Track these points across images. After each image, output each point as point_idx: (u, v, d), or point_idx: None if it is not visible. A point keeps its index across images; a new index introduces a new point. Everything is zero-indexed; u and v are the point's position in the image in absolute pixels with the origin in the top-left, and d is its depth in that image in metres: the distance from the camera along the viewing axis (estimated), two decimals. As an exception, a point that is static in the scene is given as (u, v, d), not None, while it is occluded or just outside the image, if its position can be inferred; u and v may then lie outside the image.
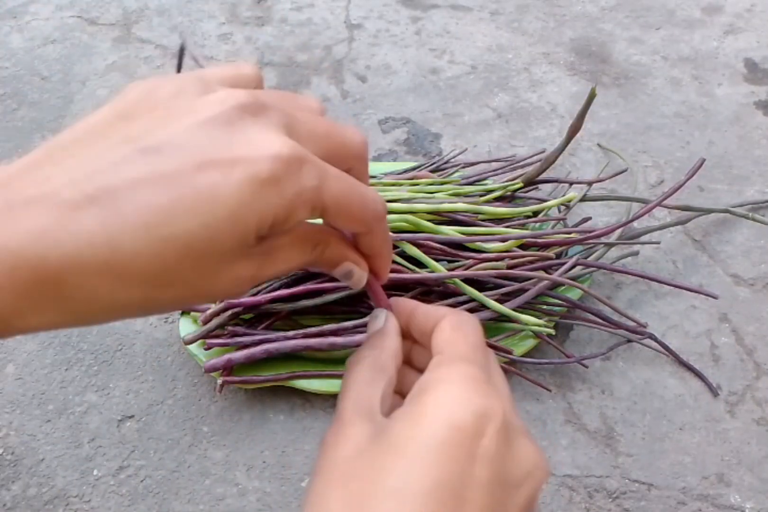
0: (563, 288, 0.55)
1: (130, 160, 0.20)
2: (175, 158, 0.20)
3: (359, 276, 0.27)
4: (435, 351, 0.25)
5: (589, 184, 0.61)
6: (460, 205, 0.54)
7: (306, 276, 0.52)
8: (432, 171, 0.61)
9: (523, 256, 0.53)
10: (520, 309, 0.53)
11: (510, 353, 0.52)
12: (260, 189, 0.20)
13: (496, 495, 0.21)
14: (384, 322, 0.28)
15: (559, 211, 0.60)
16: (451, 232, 0.52)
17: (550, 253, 0.54)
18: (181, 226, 0.20)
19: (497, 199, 0.58)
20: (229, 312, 0.50)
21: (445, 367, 0.24)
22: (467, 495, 0.21)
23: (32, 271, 0.18)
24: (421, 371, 0.26)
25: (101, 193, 0.19)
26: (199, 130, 0.21)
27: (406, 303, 0.28)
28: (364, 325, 0.50)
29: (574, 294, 0.55)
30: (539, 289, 0.52)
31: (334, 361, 0.53)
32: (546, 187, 0.62)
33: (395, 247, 0.52)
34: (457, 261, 0.53)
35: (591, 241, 0.55)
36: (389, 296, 0.29)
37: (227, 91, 0.22)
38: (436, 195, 0.55)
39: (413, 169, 0.62)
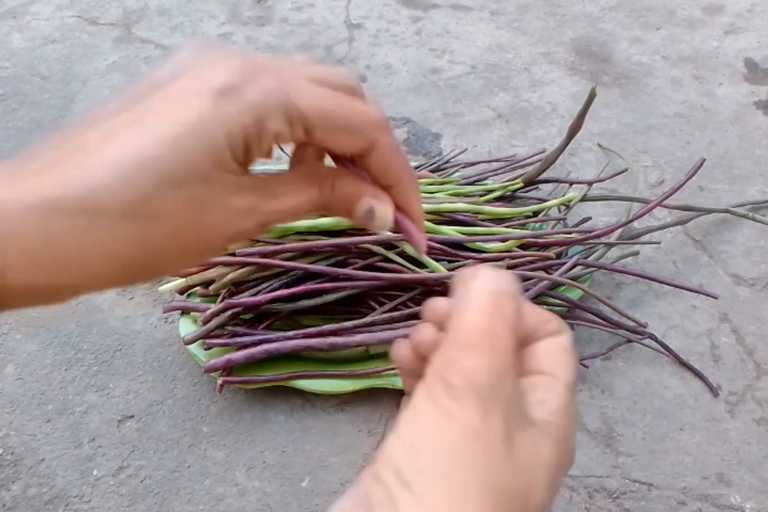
0: (563, 288, 0.55)
1: (104, 106, 0.20)
2: (138, 89, 0.20)
3: (383, 212, 0.23)
4: (547, 367, 0.23)
5: (590, 184, 0.61)
6: (461, 205, 0.54)
7: (306, 277, 0.52)
8: (432, 171, 0.61)
9: (523, 256, 0.53)
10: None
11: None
12: (219, 99, 0.20)
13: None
14: (508, 283, 0.22)
15: (559, 211, 0.60)
16: (451, 232, 0.52)
17: (550, 253, 0.54)
18: (145, 149, 0.19)
19: (497, 199, 0.58)
20: (229, 312, 0.50)
21: (566, 399, 0.23)
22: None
23: (13, 218, 0.18)
24: None
25: (78, 147, 0.19)
26: (172, 66, 0.21)
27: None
28: (365, 325, 0.50)
29: (574, 295, 0.55)
30: (539, 289, 0.52)
31: (335, 361, 0.53)
32: (546, 187, 0.62)
33: (395, 247, 0.52)
34: (457, 261, 0.53)
35: (591, 240, 0.55)
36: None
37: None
38: (436, 195, 0.55)
39: (413, 168, 0.61)
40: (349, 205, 0.23)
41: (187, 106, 0.20)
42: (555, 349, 0.24)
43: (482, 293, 0.22)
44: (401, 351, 0.24)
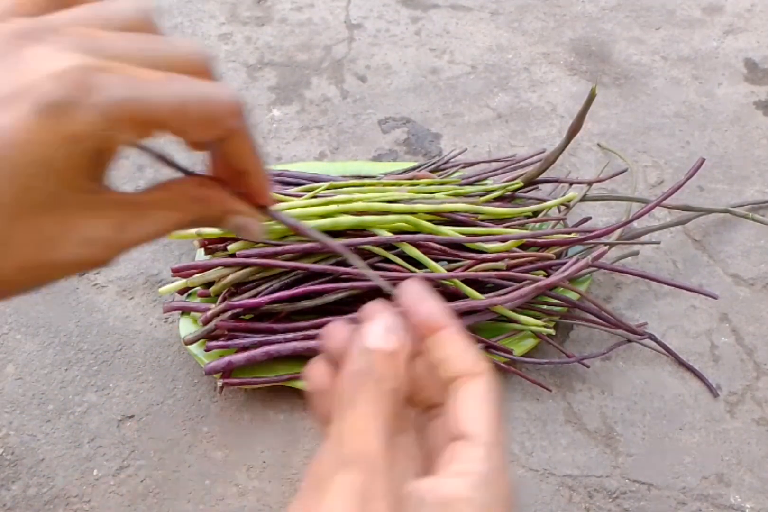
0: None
1: None
2: None
3: (254, 227, 0.24)
4: (464, 426, 0.22)
5: (589, 184, 0.61)
6: (460, 205, 0.54)
7: (306, 278, 0.52)
8: (432, 171, 0.61)
9: (523, 256, 0.53)
10: (519, 309, 0.53)
11: (510, 353, 0.52)
12: (53, 117, 0.17)
13: None
14: (400, 346, 0.22)
15: (559, 211, 0.60)
16: (451, 232, 0.52)
17: (550, 253, 0.54)
18: None
19: (497, 199, 0.58)
20: (229, 313, 0.50)
21: (487, 465, 0.21)
22: None
23: None
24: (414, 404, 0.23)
25: None
26: None
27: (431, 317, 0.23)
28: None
29: (573, 294, 0.55)
30: (539, 289, 0.52)
31: (334, 361, 0.52)
32: (546, 187, 0.62)
33: (395, 247, 0.52)
34: (457, 261, 0.53)
35: (591, 241, 0.55)
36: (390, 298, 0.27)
37: (3, 23, 0.18)
38: (436, 195, 0.55)
39: (413, 169, 0.62)
40: (220, 222, 0.23)
41: (10, 128, 0.17)
42: (468, 402, 0.22)
43: (363, 353, 0.22)
44: (317, 372, 0.25)
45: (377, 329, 0.23)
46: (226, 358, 0.49)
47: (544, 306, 0.55)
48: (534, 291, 0.51)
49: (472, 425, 0.21)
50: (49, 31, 0.18)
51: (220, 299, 0.52)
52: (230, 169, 0.23)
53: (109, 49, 0.19)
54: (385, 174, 0.60)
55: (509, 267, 0.53)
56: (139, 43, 0.19)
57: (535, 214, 0.58)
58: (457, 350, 0.23)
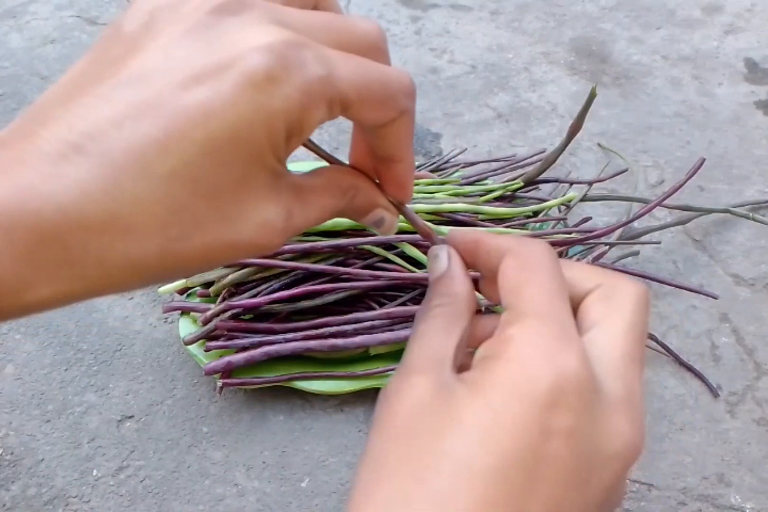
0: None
1: (110, 96, 0.17)
2: (156, 83, 0.17)
3: (390, 221, 0.24)
4: (504, 303, 0.21)
5: (589, 183, 0.61)
6: (460, 205, 0.54)
7: (306, 278, 0.52)
8: (432, 171, 0.61)
9: (523, 256, 0.53)
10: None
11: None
12: (259, 92, 0.17)
13: (574, 476, 0.18)
14: (448, 263, 0.24)
15: (560, 211, 0.60)
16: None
17: (550, 253, 0.54)
18: (179, 157, 0.17)
19: (497, 199, 0.58)
20: (229, 313, 0.50)
21: (514, 327, 0.20)
22: (540, 474, 0.18)
23: (29, 231, 0.16)
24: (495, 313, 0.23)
25: (84, 139, 0.17)
26: (176, 46, 0.18)
27: (465, 236, 0.24)
28: (364, 326, 0.50)
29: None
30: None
31: (334, 362, 0.52)
32: (546, 187, 0.62)
33: (395, 247, 0.52)
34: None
35: (591, 241, 0.55)
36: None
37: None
38: (436, 195, 0.55)
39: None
40: (362, 214, 0.24)
41: (221, 102, 0.17)
42: (500, 280, 0.22)
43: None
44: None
45: (429, 264, 0.24)
46: (226, 358, 0.49)
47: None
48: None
49: (509, 297, 0.21)
50: (242, 5, 0.18)
51: (219, 299, 0.52)
52: (378, 158, 0.23)
53: (299, 25, 0.19)
54: (385, 174, 0.60)
55: (509, 267, 0.53)
56: (323, 21, 0.20)
57: (536, 213, 0.58)
58: (490, 247, 0.23)
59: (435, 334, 0.22)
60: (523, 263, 0.21)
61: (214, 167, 0.17)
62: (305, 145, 0.24)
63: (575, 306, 0.22)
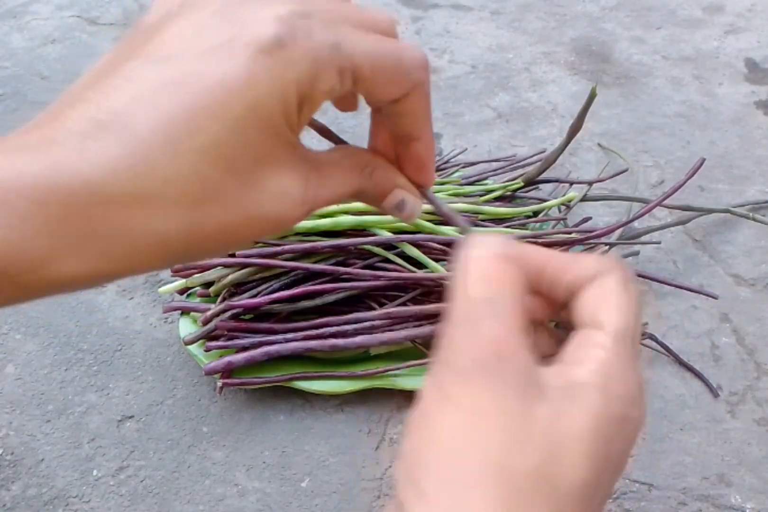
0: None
1: (134, 76, 0.18)
2: (178, 60, 0.18)
3: (412, 205, 0.24)
4: (593, 318, 0.20)
5: (590, 183, 0.61)
6: (461, 205, 0.54)
7: (306, 278, 0.52)
8: (432, 171, 0.61)
9: (523, 256, 0.53)
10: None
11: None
12: (270, 59, 0.18)
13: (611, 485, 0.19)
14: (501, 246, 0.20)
15: (560, 211, 0.60)
16: (451, 232, 0.52)
17: (551, 253, 0.54)
18: (204, 130, 0.18)
19: (497, 199, 0.58)
20: (229, 313, 0.50)
21: (620, 356, 0.19)
22: (593, 498, 0.18)
23: (60, 206, 0.17)
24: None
25: (110, 116, 0.17)
26: (197, 27, 0.19)
27: (537, 253, 0.21)
28: (364, 326, 0.50)
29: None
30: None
31: (335, 362, 0.52)
32: (546, 187, 0.62)
33: (394, 247, 0.52)
34: (458, 261, 0.53)
35: (591, 240, 0.55)
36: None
37: None
38: (436, 195, 0.55)
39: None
40: (382, 195, 0.23)
41: (234, 69, 0.18)
42: (597, 294, 0.20)
43: (474, 261, 0.20)
44: None
45: (486, 241, 0.21)
46: (226, 358, 0.49)
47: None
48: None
49: (598, 313, 0.20)
50: None
51: (219, 299, 0.52)
52: (396, 139, 0.23)
53: (314, 7, 0.19)
54: (386, 174, 0.60)
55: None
56: (336, 4, 0.20)
57: (536, 213, 0.58)
58: (564, 261, 0.21)
59: (516, 313, 0.19)
60: (625, 289, 0.21)
61: (238, 142, 0.18)
62: (319, 131, 0.24)
63: (572, 294, 0.21)
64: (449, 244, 0.52)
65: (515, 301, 0.19)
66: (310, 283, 0.52)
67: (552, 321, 0.24)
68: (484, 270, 0.20)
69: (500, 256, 0.20)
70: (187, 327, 0.53)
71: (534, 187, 0.61)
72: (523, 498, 0.17)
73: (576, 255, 0.22)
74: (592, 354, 0.19)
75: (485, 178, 0.60)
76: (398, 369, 0.51)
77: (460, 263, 0.20)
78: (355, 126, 0.71)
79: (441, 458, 0.18)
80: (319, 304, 0.51)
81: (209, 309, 0.51)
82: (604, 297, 0.20)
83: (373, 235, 0.52)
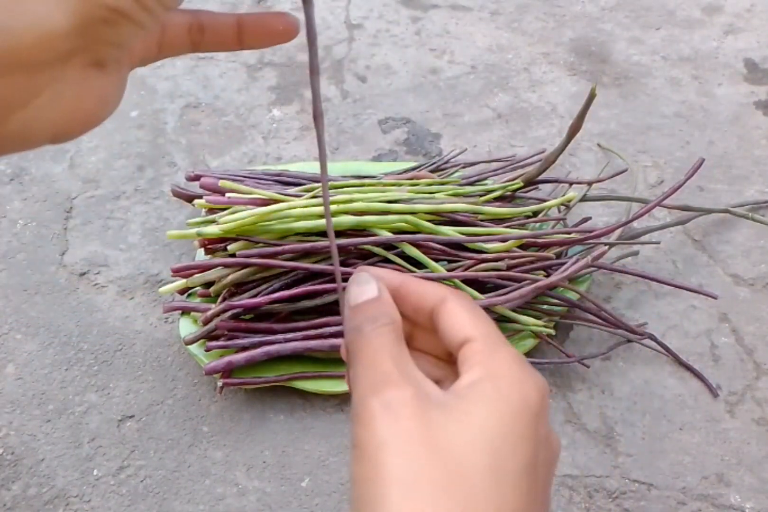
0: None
1: None
2: None
3: None
4: (457, 336, 0.24)
5: (589, 184, 0.61)
6: (460, 206, 0.54)
7: (306, 278, 0.52)
8: (432, 171, 0.61)
9: (523, 256, 0.53)
10: (519, 309, 0.53)
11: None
12: None
13: (549, 472, 0.22)
14: (378, 288, 0.25)
15: (559, 211, 0.60)
16: (451, 232, 0.52)
17: (550, 253, 0.54)
18: None
19: (497, 199, 0.58)
20: (229, 313, 0.50)
21: (496, 352, 0.23)
22: (539, 474, 0.21)
23: None
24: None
25: None
26: None
27: (389, 275, 0.26)
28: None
29: (573, 294, 0.55)
30: (539, 289, 0.52)
31: (335, 362, 0.53)
32: (546, 187, 0.62)
33: (394, 247, 0.52)
34: (457, 261, 0.53)
35: (591, 241, 0.55)
36: None
37: None
38: (436, 195, 0.55)
39: (413, 169, 0.62)
40: None
41: None
42: (450, 320, 0.24)
43: (354, 308, 0.24)
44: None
45: (353, 288, 0.25)
46: (226, 358, 0.50)
47: (544, 307, 0.55)
48: (534, 292, 0.51)
49: (460, 331, 0.24)
50: None
51: (220, 299, 0.52)
52: None
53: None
54: (385, 174, 0.60)
55: (509, 268, 0.53)
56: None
57: (535, 214, 0.58)
58: (419, 292, 0.25)
59: (392, 349, 0.23)
60: (470, 307, 0.25)
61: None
62: None
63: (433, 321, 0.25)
64: (449, 244, 0.53)
65: (394, 333, 0.23)
66: (310, 283, 0.52)
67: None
68: (365, 311, 0.24)
69: (373, 297, 0.25)
70: (187, 327, 0.53)
71: (533, 187, 0.61)
72: (443, 498, 0.19)
73: (421, 283, 0.26)
74: (474, 360, 0.23)
75: (485, 178, 0.60)
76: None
77: (345, 312, 0.25)
78: (356, 126, 0.71)
79: (384, 495, 0.20)
80: (319, 304, 0.51)
81: (209, 309, 0.51)
82: (455, 321, 0.24)
83: (373, 235, 0.52)
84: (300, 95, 0.73)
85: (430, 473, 0.20)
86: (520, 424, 0.21)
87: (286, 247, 0.51)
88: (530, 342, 0.54)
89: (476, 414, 0.21)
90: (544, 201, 0.59)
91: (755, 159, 0.69)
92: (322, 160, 0.24)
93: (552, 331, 0.53)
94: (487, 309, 0.52)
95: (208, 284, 0.53)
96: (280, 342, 0.50)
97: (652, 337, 0.55)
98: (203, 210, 0.56)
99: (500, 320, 0.53)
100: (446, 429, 0.21)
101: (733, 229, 0.64)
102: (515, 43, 0.79)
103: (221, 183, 0.53)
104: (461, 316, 0.24)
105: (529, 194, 0.60)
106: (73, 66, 0.19)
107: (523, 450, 0.21)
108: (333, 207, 0.51)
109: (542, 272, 0.54)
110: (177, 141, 0.69)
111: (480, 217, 0.55)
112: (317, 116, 0.23)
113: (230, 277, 0.51)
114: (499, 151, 0.69)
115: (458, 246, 0.53)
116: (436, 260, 0.52)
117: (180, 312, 0.54)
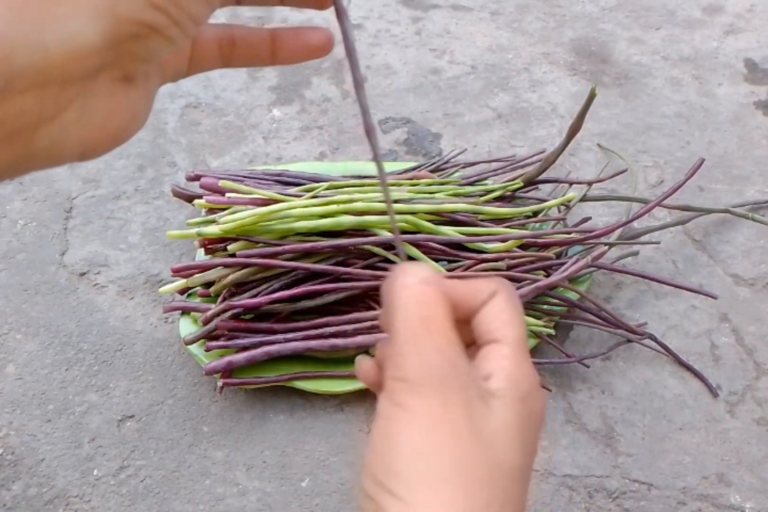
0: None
1: None
2: None
3: None
4: (492, 334, 0.24)
5: (589, 184, 0.61)
6: (460, 205, 0.54)
7: (306, 278, 0.52)
8: (432, 171, 0.61)
9: (523, 256, 0.53)
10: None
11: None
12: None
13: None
14: (418, 276, 0.24)
15: (559, 211, 0.60)
16: (451, 232, 0.52)
17: (550, 253, 0.54)
18: None
19: (497, 199, 0.58)
20: (230, 313, 0.51)
21: (522, 364, 0.24)
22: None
23: None
24: None
25: None
26: None
27: (443, 281, 0.25)
28: (364, 326, 0.50)
29: (573, 294, 0.55)
30: (539, 289, 0.52)
31: (335, 362, 0.53)
32: (546, 187, 0.62)
33: (394, 247, 0.52)
34: (457, 261, 0.53)
35: (591, 241, 0.55)
36: None
37: None
38: (436, 195, 0.55)
39: (413, 169, 0.62)
40: None
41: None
42: (492, 313, 0.24)
43: (405, 287, 0.23)
44: (364, 366, 0.26)
45: (410, 269, 0.24)
46: (226, 358, 0.50)
47: (544, 306, 0.55)
48: (534, 291, 0.51)
49: (498, 329, 0.24)
50: None
51: (220, 299, 0.52)
52: None
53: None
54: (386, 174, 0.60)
55: (509, 268, 0.53)
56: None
57: (535, 214, 0.58)
58: (466, 285, 0.25)
59: (449, 330, 0.23)
60: (512, 304, 0.25)
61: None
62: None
63: (472, 315, 0.25)
64: (449, 244, 0.53)
65: (446, 318, 0.23)
66: (310, 283, 0.52)
67: None
68: (416, 294, 0.23)
69: (425, 282, 0.23)
70: (187, 327, 0.53)
71: (534, 187, 0.61)
72: (483, 489, 0.20)
73: (469, 281, 0.25)
74: (502, 364, 0.23)
75: (485, 178, 0.60)
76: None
77: (391, 290, 0.24)
78: (356, 126, 0.71)
79: (408, 464, 0.20)
80: (319, 304, 0.51)
81: (209, 309, 0.51)
82: (497, 316, 0.24)
83: (373, 235, 0.52)
84: (300, 95, 0.73)
85: (477, 462, 0.21)
86: (534, 435, 0.23)
87: (287, 247, 0.51)
88: (530, 342, 0.54)
89: (501, 416, 0.22)
90: (544, 201, 0.59)
91: (755, 159, 0.69)
92: (382, 178, 0.25)
93: (552, 331, 0.53)
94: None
95: (208, 284, 0.53)
96: (280, 342, 0.50)
97: (652, 337, 0.55)
98: (203, 210, 0.56)
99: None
100: (488, 423, 0.22)
101: (734, 229, 0.64)
102: (515, 43, 0.79)
103: (221, 183, 0.53)
104: (504, 315, 0.24)
105: (529, 194, 0.60)
106: (102, 80, 0.19)
107: (532, 456, 0.23)
108: (333, 207, 0.51)
109: (542, 272, 0.54)
110: (177, 141, 0.69)
111: (480, 217, 0.55)
112: (369, 131, 0.23)
113: (230, 277, 0.51)
114: (499, 151, 0.69)
115: (458, 246, 0.53)
116: (437, 260, 0.52)
117: (180, 312, 0.54)
